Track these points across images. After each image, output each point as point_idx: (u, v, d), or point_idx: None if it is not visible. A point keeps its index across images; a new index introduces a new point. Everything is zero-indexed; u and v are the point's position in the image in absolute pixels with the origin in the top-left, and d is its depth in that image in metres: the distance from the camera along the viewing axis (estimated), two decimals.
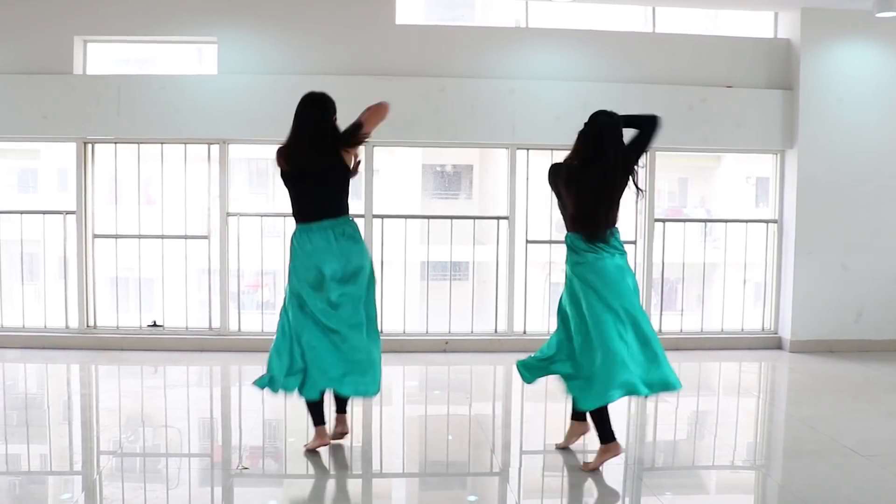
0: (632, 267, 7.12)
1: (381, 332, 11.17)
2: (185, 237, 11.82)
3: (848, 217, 11.83)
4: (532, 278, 12.34)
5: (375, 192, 11.69)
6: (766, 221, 12.41)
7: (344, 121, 6.94)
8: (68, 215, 11.59)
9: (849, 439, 7.53)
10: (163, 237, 11.83)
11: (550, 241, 11.82)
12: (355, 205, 11.17)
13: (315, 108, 6.83)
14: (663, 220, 12.23)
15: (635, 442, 7.76)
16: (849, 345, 11.90)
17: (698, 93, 11.78)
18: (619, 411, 8.82)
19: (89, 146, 11.54)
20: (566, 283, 6.89)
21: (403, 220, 12.28)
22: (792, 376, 10.77)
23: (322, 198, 6.85)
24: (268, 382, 6.82)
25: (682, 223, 13.17)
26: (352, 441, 7.69)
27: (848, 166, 11.79)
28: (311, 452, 7.05)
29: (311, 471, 6.85)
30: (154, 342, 11.57)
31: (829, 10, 11.64)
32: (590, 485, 6.68)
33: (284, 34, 11.42)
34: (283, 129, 6.87)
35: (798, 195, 11.81)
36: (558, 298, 7.04)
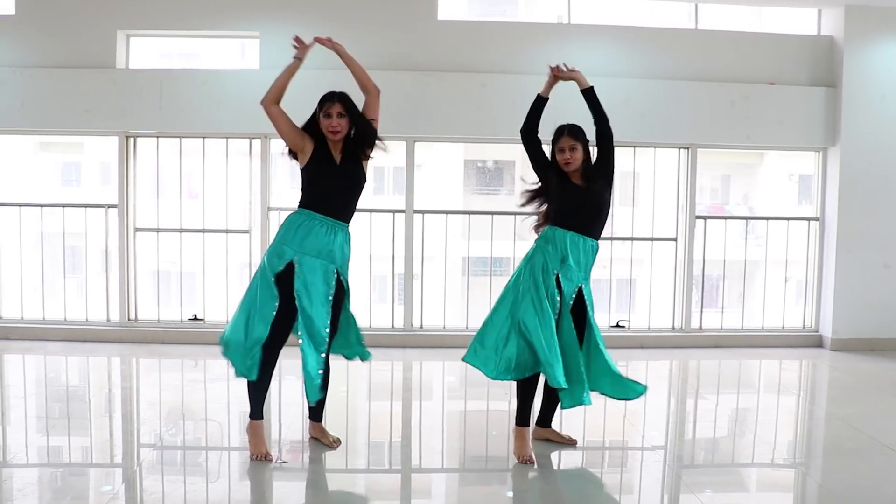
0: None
1: (422, 327, 11.25)
2: (227, 231, 11.90)
3: (890, 215, 11.78)
4: None
5: (417, 188, 11.70)
6: (808, 219, 12.35)
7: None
8: (110, 209, 11.67)
9: (890, 438, 7.48)
10: (204, 231, 11.91)
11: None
12: (397, 200, 11.21)
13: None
14: (704, 217, 12.19)
15: (675, 439, 7.74)
16: (890, 343, 11.85)
17: (741, 90, 11.74)
18: (659, 409, 8.82)
19: (131, 140, 11.63)
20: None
21: (444, 215, 12.28)
22: (832, 374, 10.71)
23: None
24: None
25: (723, 220, 13.11)
26: (391, 436, 7.73)
27: (891, 164, 11.74)
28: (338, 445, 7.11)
29: (351, 465, 6.86)
30: (195, 336, 11.63)
31: (873, 7, 11.58)
32: (629, 481, 6.67)
33: (326, 29, 11.38)
34: None
35: (840, 193, 11.76)
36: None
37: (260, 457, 6.69)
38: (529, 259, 6.89)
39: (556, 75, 7.34)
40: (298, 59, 6.97)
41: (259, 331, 6.62)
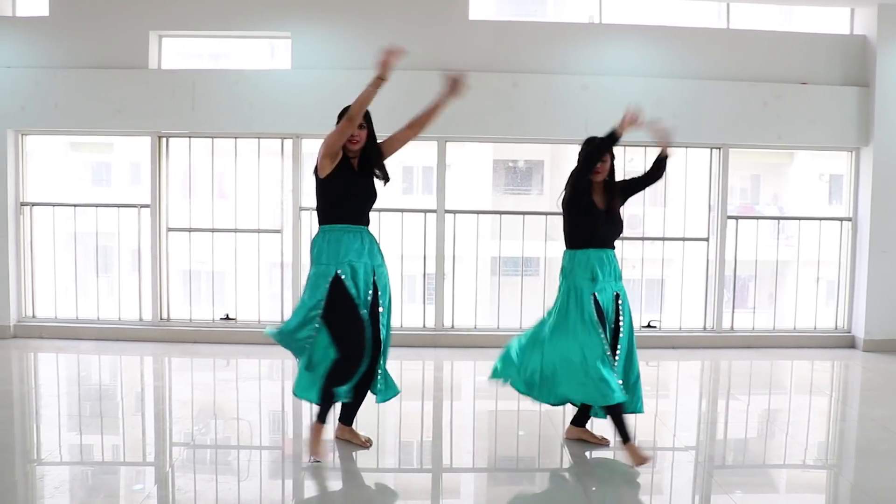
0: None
1: (453, 327, 11.27)
2: (258, 231, 11.94)
3: None
4: None
5: (447, 188, 11.71)
6: (841, 219, 12.31)
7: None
8: (143, 209, 11.73)
9: None
10: (236, 231, 11.96)
11: (622, 238, 11.79)
12: (429, 200, 11.22)
13: None
14: (736, 218, 12.16)
15: (706, 440, 7.73)
16: None
17: (773, 89, 11.71)
18: (691, 409, 8.82)
19: (164, 140, 11.69)
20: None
21: (475, 215, 12.28)
22: (865, 375, 10.66)
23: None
24: None
25: (754, 220, 13.06)
26: (422, 436, 7.75)
27: None
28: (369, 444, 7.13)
29: (381, 465, 6.87)
30: (226, 335, 11.69)
31: None
32: (660, 481, 6.66)
33: (358, 29, 11.46)
34: None
35: (873, 193, 11.71)
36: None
37: (316, 458, 6.74)
38: (566, 294, 6.92)
39: (639, 125, 6.98)
40: (381, 79, 6.65)
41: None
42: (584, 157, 6.89)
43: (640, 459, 6.74)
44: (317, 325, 6.63)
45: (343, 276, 6.60)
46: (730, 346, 11.94)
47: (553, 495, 6.38)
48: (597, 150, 6.81)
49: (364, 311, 6.67)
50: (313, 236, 6.80)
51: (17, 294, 11.87)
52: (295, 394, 6.91)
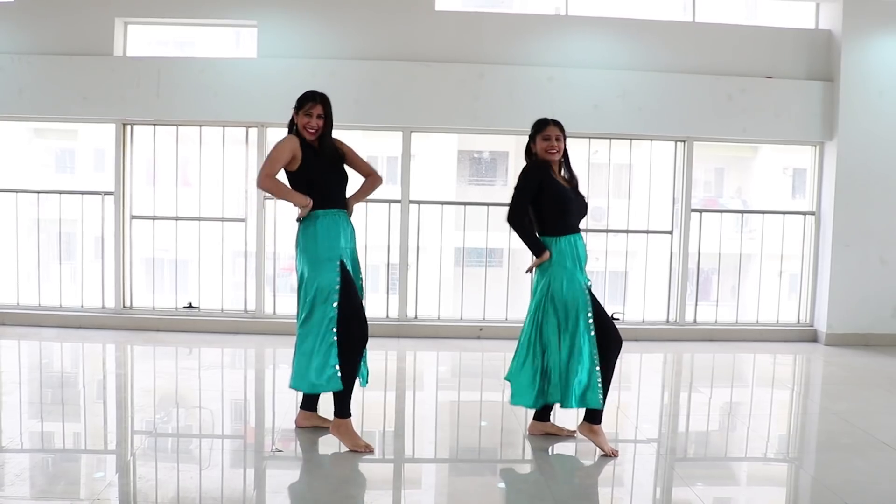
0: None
1: (416, 317, 11.26)
2: (222, 220, 11.91)
3: (887, 210, 11.80)
4: None
5: (412, 178, 11.71)
6: (804, 213, 12.36)
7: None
8: (106, 196, 11.68)
9: (885, 434, 7.49)
10: (200, 219, 11.92)
11: (587, 230, 11.80)
12: (393, 191, 11.19)
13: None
14: (700, 211, 12.19)
15: (668, 432, 7.74)
16: (885, 339, 11.88)
17: (738, 83, 11.75)
18: (653, 402, 8.84)
19: (128, 127, 11.64)
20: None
21: (440, 206, 12.27)
22: (827, 369, 10.72)
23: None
24: None
25: (718, 214, 13.09)
26: (384, 426, 7.74)
27: (888, 159, 11.76)
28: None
29: (343, 454, 6.86)
30: (189, 324, 11.66)
31: (871, 1, 11.60)
32: (622, 473, 6.67)
33: (324, 19, 11.44)
34: None
35: (837, 187, 11.78)
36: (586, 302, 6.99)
37: (360, 449, 6.80)
38: (559, 283, 6.91)
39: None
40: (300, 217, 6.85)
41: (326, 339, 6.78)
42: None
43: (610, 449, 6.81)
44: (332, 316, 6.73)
45: (344, 261, 6.77)
46: (692, 339, 11.99)
47: (514, 486, 6.37)
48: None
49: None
50: (302, 225, 6.82)
51: None
52: (321, 390, 6.87)
